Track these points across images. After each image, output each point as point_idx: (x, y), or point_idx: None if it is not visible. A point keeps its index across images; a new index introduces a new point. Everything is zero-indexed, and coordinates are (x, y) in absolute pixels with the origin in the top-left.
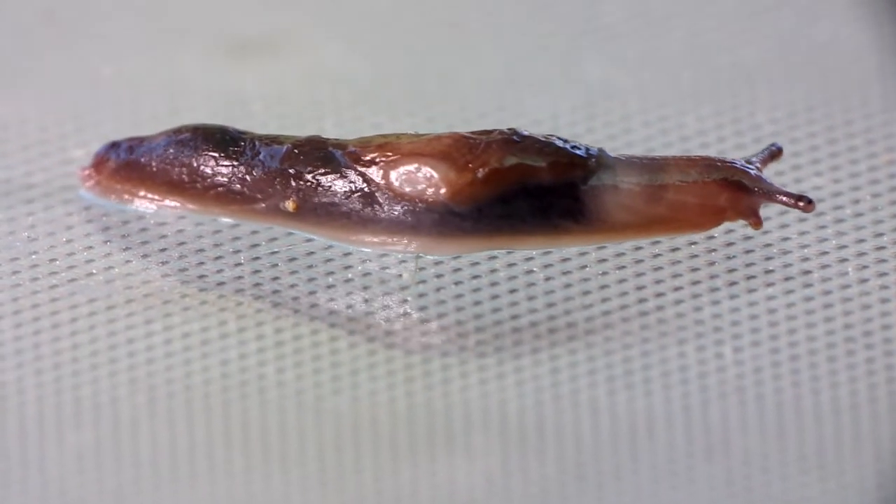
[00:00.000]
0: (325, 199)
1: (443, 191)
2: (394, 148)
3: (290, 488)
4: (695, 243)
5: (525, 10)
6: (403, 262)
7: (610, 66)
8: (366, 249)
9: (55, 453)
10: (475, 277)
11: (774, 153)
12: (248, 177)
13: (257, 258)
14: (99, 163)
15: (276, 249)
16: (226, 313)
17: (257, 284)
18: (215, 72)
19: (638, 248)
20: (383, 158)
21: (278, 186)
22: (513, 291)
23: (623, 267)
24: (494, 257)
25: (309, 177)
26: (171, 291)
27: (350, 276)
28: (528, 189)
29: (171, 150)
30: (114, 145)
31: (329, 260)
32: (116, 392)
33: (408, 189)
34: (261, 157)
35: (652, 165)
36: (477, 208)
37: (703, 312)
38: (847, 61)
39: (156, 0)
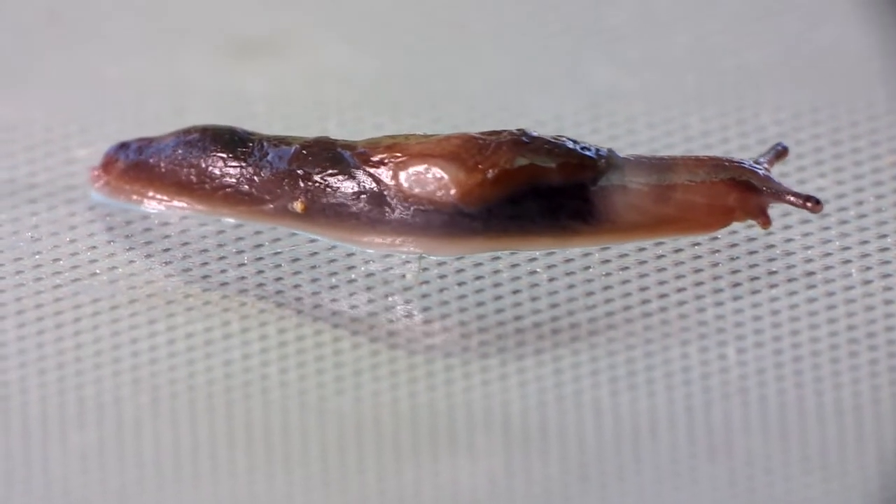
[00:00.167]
0: (333, 200)
1: (452, 191)
2: (403, 149)
3: (293, 489)
4: (698, 244)
5: (529, 11)
6: (407, 262)
7: (614, 67)
8: (372, 250)
9: (58, 453)
10: (478, 278)
11: (780, 153)
12: (256, 178)
13: (261, 258)
14: (108, 163)
15: (279, 250)
16: (229, 313)
17: (261, 285)
18: (219, 72)
19: (641, 249)
20: (392, 159)
21: (287, 187)
22: (516, 292)
23: (626, 267)
24: (498, 258)
25: (318, 178)
26: (174, 291)
27: (353, 276)
28: (538, 190)
29: (180, 151)
30: (123, 146)
31: (332, 260)
32: (120, 392)
33: (417, 190)
34: (269, 157)
35: (660, 165)
36: (487, 209)
37: (706, 313)
38: (851, 64)
39: (160, 1)
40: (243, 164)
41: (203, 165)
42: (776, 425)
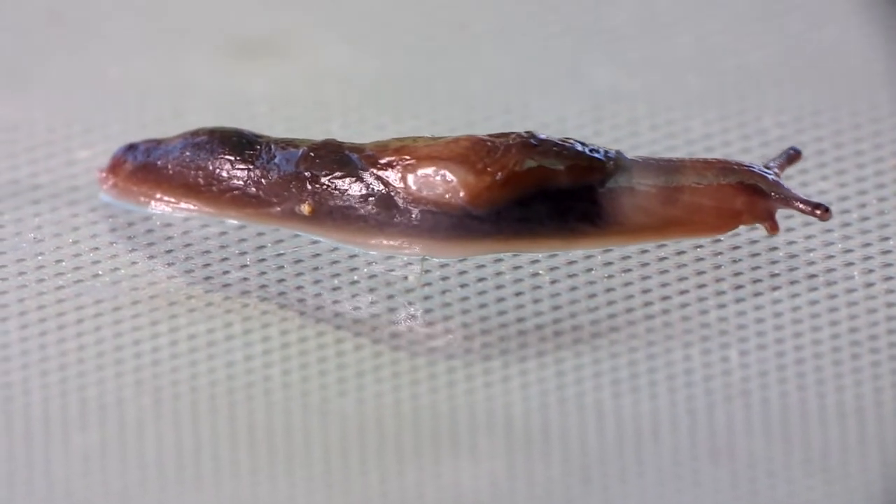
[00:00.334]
0: (341, 203)
1: (461, 194)
2: (411, 151)
3: (296, 490)
4: (700, 247)
5: (530, 12)
6: (410, 264)
7: (616, 69)
8: (376, 252)
9: (61, 454)
10: (481, 280)
11: (792, 157)
12: (263, 180)
13: (263, 260)
14: (116, 165)
15: (282, 251)
16: (231, 315)
17: (263, 286)
18: (221, 73)
19: (644, 252)
20: (401, 162)
21: (294, 190)
22: (518, 294)
23: (629, 270)
24: (500, 259)
25: (325, 180)
26: (176, 293)
27: (356, 278)
28: (547, 192)
29: (188, 153)
30: (131, 147)
31: (335, 262)
32: (122, 393)
33: (425, 192)
34: (276, 160)
35: (668, 167)
36: (495, 211)
37: (708, 316)
38: (854, 66)
39: (162, 1)
40: (251, 167)
41: (211, 168)
42: (779, 427)
